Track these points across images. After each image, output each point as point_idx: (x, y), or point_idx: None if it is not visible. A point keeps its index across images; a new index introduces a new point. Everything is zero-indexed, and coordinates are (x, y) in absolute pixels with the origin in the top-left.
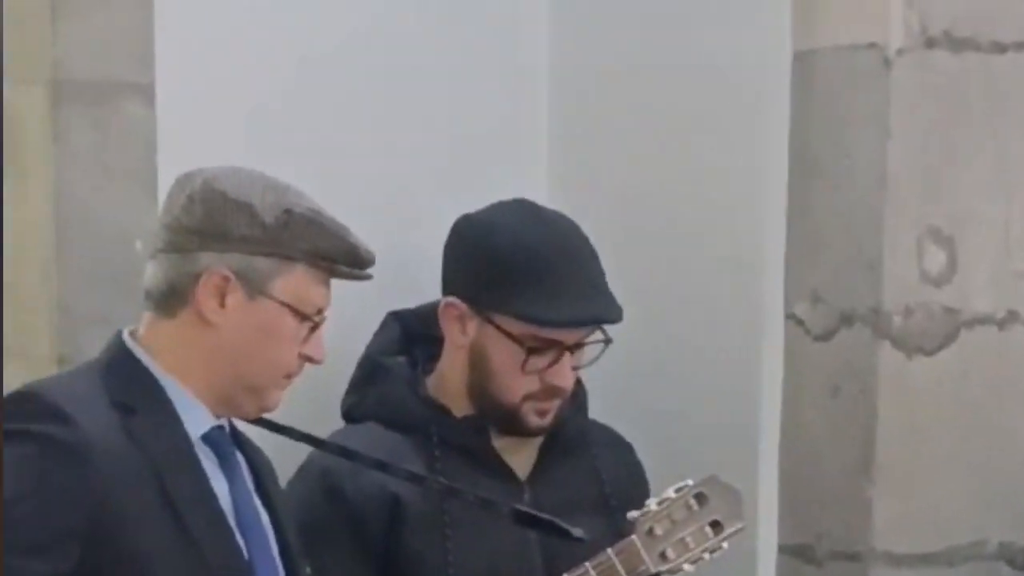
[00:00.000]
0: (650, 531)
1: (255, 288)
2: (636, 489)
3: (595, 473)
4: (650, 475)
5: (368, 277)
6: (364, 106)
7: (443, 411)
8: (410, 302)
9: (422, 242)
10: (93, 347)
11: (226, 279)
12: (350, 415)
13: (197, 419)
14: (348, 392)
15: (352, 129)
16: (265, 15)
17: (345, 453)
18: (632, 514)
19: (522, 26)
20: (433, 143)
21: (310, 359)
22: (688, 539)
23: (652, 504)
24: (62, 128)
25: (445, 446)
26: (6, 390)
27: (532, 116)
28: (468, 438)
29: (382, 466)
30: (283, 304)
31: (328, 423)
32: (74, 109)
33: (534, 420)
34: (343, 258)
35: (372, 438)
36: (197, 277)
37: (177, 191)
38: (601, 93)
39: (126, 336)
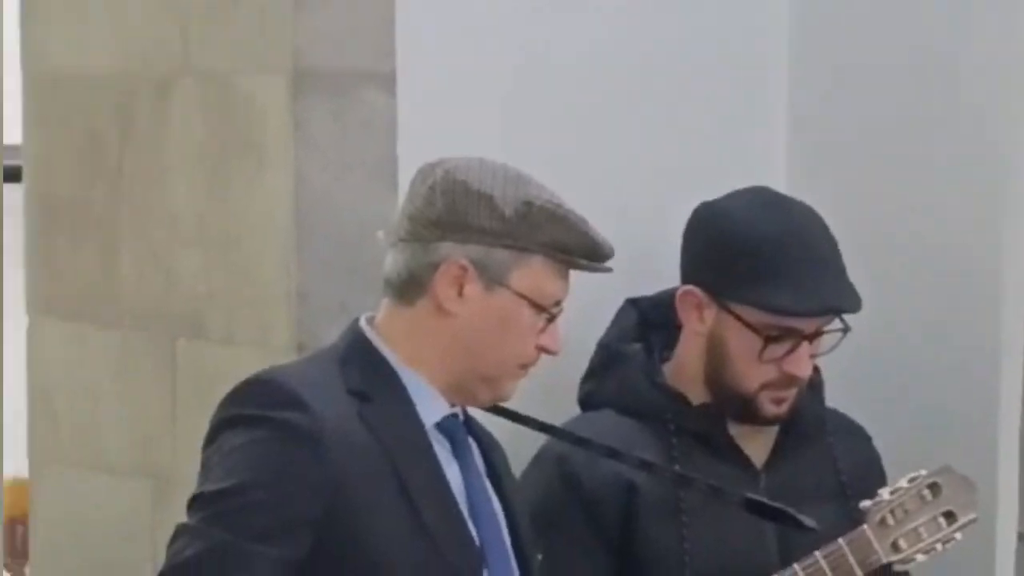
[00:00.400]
0: (882, 521)
1: (493, 279)
2: (872, 478)
3: (832, 462)
4: (886, 464)
5: (607, 270)
6: (605, 95)
7: (680, 399)
8: (648, 289)
9: (661, 229)
10: (330, 336)
11: (464, 269)
12: (586, 402)
13: (431, 407)
14: (584, 379)
15: (591, 117)
16: (505, 4)
17: (579, 441)
18: (864, 503)
19: (762, 20)
20: (674, 132)
21: (546, 350)
22: (921, 529)
23: (885, 494)
24: (302, 118)
25: (682, 434)
26: (246, 378)
27: (771, 108)
28: (705, 426)
29: (615, 454)
30: (520, 295)
31: (564, 410)
32: (314, 99)
33: (770, 409)
34: (582, 251)
35: (608, 425)
36: (436, 267)
37: (420, 181)
38: (840, 89)
39: (363, 323)
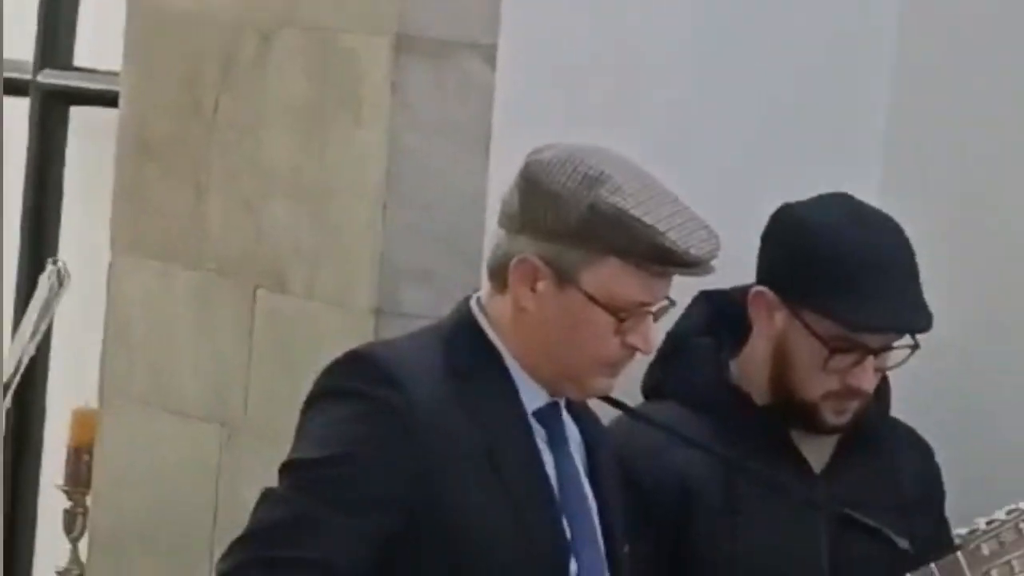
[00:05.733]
0: (976, 550)
1: (564, 277)
2: (933, 493)
3: (893, 473)
4: (951, 480)
5: (698, 273)
6: (702, 94)
7: (744, 397)
8: (725, 283)
9: (747, 223)
10: (410, 302)
11: (536, 267)
12: (650, 392)
13: (532, 394)
14: (651, 368)
15: (689, 118)
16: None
17: (664, 428)
18: (958, 532)
19: (866, 17)
20: (767, 126)
21: (636, 348)
22: (1015, 563)
23: (981, 523)
24: (401, 80)
25: (742, 432)
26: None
27: (869, 110)
28: (767, 427)
29: (694, 443)
30: (590, 297)
31: (627, 399)
32: (415, 63)
33: (831, 418)
34: (653, 257)
35: (671, 417)
36: (511, 259)
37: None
38: (944, 90)
39: (473, 304)
